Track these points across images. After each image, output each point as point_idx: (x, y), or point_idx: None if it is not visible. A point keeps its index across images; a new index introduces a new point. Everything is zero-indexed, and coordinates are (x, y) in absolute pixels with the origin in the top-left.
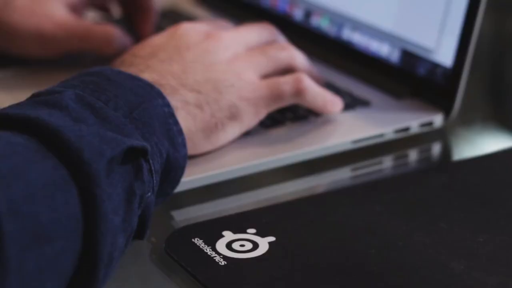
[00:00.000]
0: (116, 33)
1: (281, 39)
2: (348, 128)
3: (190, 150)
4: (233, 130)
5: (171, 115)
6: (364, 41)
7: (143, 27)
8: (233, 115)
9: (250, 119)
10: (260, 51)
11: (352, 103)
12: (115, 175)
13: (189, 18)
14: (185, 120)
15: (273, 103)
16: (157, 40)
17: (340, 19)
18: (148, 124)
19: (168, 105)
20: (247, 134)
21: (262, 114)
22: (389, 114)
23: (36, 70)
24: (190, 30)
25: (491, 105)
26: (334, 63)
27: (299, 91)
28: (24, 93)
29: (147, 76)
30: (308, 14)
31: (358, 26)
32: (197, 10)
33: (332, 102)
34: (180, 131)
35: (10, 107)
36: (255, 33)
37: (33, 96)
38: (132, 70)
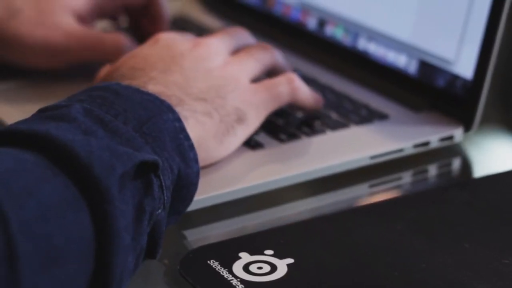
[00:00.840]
0: (126, 42)
1: (253, 40)
2: (366, 143)
3: (204, 160)
4: (242, 133)
5: (182, 129)
6: (381, 51)
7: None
8: (240, 119)
9: (254, 122)
10: (247, 54)
11: (369, 116)
12: (126, 190)
13: (198, 25)
14: (196, 129)
15: (272, 104)
16: (147, 51)
17: (355, 29)
18: (159, 138)
19: (178, 119)
20: (262, 148)
21: (263, 116)
22: (407, 127)
23: (42, 82)
24: (175, 40)
25: None
26: (349, 73)
27: (293, 90)
28: (31, 105)
29: (152, 88)
30: (322, 23)
31: (374, 35)
32: (206, 18)
33: (318, 99)
34: (191, 146)
35: (17, 123)
36: (234, 37)
37: (40, 111)
38: (136, 83)
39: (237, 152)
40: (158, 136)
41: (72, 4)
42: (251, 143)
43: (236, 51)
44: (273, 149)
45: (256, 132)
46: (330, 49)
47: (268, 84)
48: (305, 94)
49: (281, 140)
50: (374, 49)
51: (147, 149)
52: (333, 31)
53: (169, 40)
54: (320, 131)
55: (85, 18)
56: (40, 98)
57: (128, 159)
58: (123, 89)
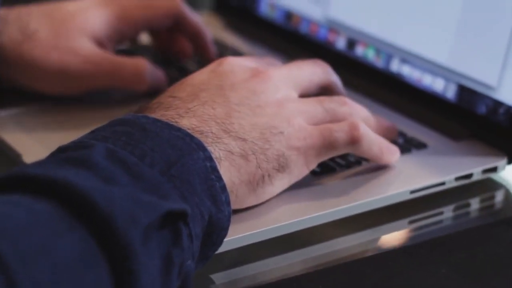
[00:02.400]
0: (148, 67)
1: (335, 78)
2: (405, 176)
3: (233, 205)
4: (281, 183)
5: (214, 169)
6: (415, 74)
7: (204, 52)
8: (282, 166)
9: (300, 170)
10: (317, 100)
11: (407, 145)
12: (151, 243)
13: (218, 42)
14: (229, 171)
15: (325, 152)
16: (198, 78)
17: (388, 50)
18: (188, 181)
19: (210, 158)
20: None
21: (313, 164)
22: (448, 158)
23: (57, 107)
24: (235, 67)
25: None
26: (381, 97)
27: (354, 140)
28: (43, 131)
29: (186, 122)
30: (351, 43)
31: (408, 57)
32: (226, 34)
33: (389, 151)
34: (223, 188)
35: (33, 165)
36: (307, 71)
37: (59, 150)
38: (171, 114)
39: None
40: (187, 179)
41: (91, 27)
42: None
43: (306, 91)
44: (306, 183)
45: None
46: (360, 70)
47: (324, 129)
48: (370, 145)
49: (315, 173)
50: (409, 71)
51: (175, 195)
52: (364, 52)
53: (230, 66)
54: (356, 162)
55: (104, 43)
56: (54, 124)
57: (154, 209)
58: (151, 124)
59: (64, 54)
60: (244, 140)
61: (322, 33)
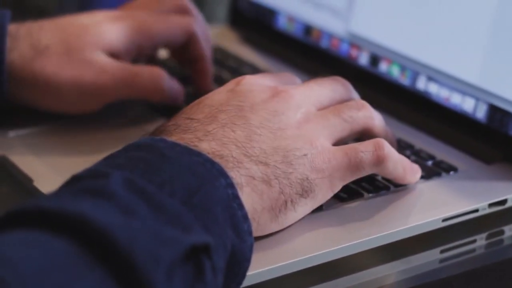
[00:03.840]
0: (164, 75)
1: (355, 95)
2: (436, 202)
3: (254, 232)
4: (304, 209)
5: (235, 197)
6: (444, 93)
7: (199, 79)
8: (305, 191)
9: (324, 194)
10: (334, 111)
11: (436, 169)
12: (174, 280)
13: (234, 57)
14: (250, 198)
15: (350, 174)
16: (216, 98)
17: (414, 67)
18: (210, 210)
19: (231, 185)
20: (319, 209)
21: (337, 187)
22: (480, 183)
23: (69, 126)
24: (253, 86)
25: None
26: (406, 116)
27: (380, 160)
28: (53, 153)
29: (206, 146)
30: (375, 59)
31: (435, 75)
32: (242, 49)
33: (412, 171)
34: (245, 217)
35: (48, 197)
36: (328, 89)
37: (73, 179)
38: (189, 138)
39: None
40: (209, 208)
41: (105, 41)
42: None
43: (325, 106)
44: (333, 210)
45: None
46: (384, 88)
47: (349, 150)
48: (395, 165)
49: (341, 199)
50: (436, 90)
51: (198, 226)
52: (388, 68)
53: (248, 86)
54: (384, 187)
55: (120, 57)
56: (66, 146)
57: (177, 245)
58: (169, 149)
59: (78, 68)
60: (266, 164)
61: (344, 49)
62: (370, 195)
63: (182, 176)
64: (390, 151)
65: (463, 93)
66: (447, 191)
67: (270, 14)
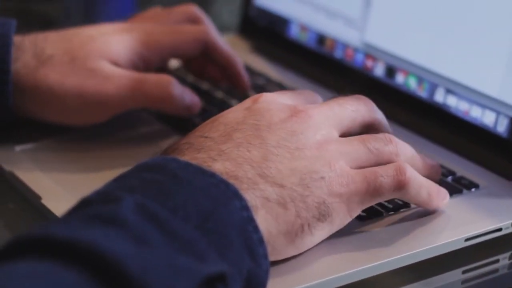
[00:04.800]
0: (173, 81)
1: (380, 116)
2: (458, 221)
3: (270, 256)
4: (321, 233)
5: (251, 220)
6: (463, 106)
7: (237, 84)
8: (322, 215)
9: (342, 219)
10: (359, 139)
11: (457, 185)
12: None
13: (248, 67)
14: (265, 221)
15: (369, 199)
16: (232, 116)
17: (432, 79)
18: (224, 235)
19: (246, 208)
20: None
21: (356, 212)
22: (502, 200)
23: (77, 141)
24: (271, 104)
25: None
26: (424, 130)
27: (401, 185)
28: (63, 171)
29: (220, 166)
30: (391, 70)
31: (455, 88)
32: (253, 58)
33: (438, 195)
34: (261, 240)
35: (56, 224)
36: (349, 109)
37: (83, 203)
38: (202, 157)
39: None
40: (223, 232)
41: (111, 51)
42: None
43: (349, 130)
44: (352, 230)
45: None
46: (401, 100)
47: (368, 173)
48: (418, 190)
49: (361, 218)
50: (455, 103)
51: (213, 253)
52: (405, 80)
53: (266, 104)
54: (403, 206)
55: (126, 69)
56: (73, 161)
57: (192, 276)
58: (182, 169)
59: (82, 77)
60: (282, 186)
61: (359, 59)
62: (390, 213)
63: (196, 199)
64: (412, 175)
65: (483, 106)
66: (469, 209)
67: (282, 22)
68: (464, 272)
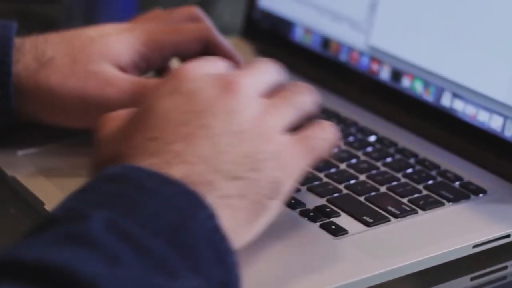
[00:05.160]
0: None
1: (282, 75)
2: (466, 227)
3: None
4: (274, 211)
5: (216, 229)
6: (470, 111)
7: None
8: (275, 193)
9: (290, 188)
10: (283, 100)
11: (464, 191)
12: None
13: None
14: (227, 218)
15: (310, 162)
16: (164, 105)
17: (439, 82)
18: (195, 249)
19: (211, 216)
20: (345, 234)
21: (298, 178)
22: (511, 206)
23: (80, 144)
24: (199, 81)
25: None
26: (430, 134)
27: (331, 143)
28: (66, 175)
29: (177, 172)
30: (397, 74)
31: (462, 92)
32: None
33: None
34: (229, 249)
35: (25, 245)
36: (268, 73)
37: (49, 221)
38: (157, 163)
39: (316, 240)
40: (193, 246)
41: (112, 53)
42: (332, 228)
43: (269, 93)
44: (359, 236)
45: (337, 213)
46: (407, 104)
47: (303, 138)
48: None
49: (367, 224)
50: (462, 107)
51: (185, 269)
52: (411, 84)
53: (193, 83)
54: (411, 211)
55: (128, 70)
56: (75, 165)
57: None
58: (146, 179)
59: (83, 79)
60: (237, 178)
61: (364, 62)
62: (397, 219)
63: (164, 212)
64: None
65: (491, 110)
66: (477, 215)
67: (286, 25)
68: (472, 279)
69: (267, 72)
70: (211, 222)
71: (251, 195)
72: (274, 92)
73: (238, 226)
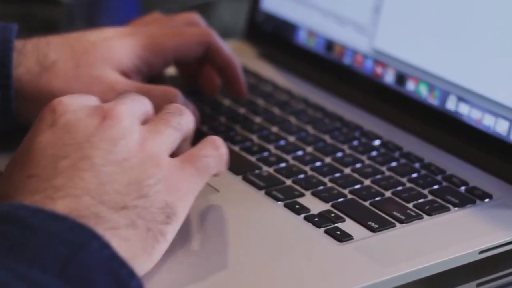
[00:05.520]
0: (179, 94)
1: (150, 104)
2: (471, 233)
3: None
4: (172, 234)
5: (114, 257)
6: (475, 114)
7: (233, 88)
8: (169, 217)
9: (184, 212)
10: (163, 122)
11: (470, 196)
12: None
13: (253, 73)
14: (123, 250)
15: (201, 183)
16: (42, 140)
17: (444, 86)
18: (89, 280)
19: (106, 245)
20: (350, 239)
21: (193, 200)
22: None
23: None
24: (76, 112)
25: None
26: (435, 138)
27: (221, 160)
28: None
29: (61, 206)
30: (401, 77)
31: (467, 95)
32: (261, 65)
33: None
34: (131, 274)
35: None
36: (139, 101)
37: None
38: (40, 199)
39: (320, 245)
40: (88, 277)
41: (115, 57)
42: (337, 234)
43: (147, 119)
44: (364, 241)
45: (342, 219)
46: (411, 108)
47: (192, 157)
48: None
49: (372, 229)
50: (467, 111)
51: None
52: (416, 88)
53: (71, 115)
54: (416, 216)
55: (130, 74)
56: None
57: None
58: (32, 217)
59: (86, 84)
60: (124, 207)
61: (368, 66)
62: (402, 225)
63: (52, 247)
64: (225, 147)
65: (496, 114)
66: (483, 220)
67: (289, 28)
68: (478, 285)
69: (139, 101)
70: (106, 251)
71: (143, 223)
72: (151, 118)
73: (134, 256)
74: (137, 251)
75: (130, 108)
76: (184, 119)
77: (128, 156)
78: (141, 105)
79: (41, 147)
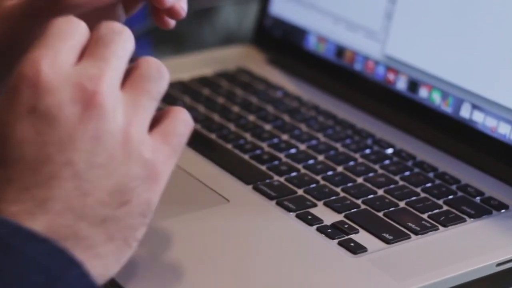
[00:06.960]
0: None
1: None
2: (488, 245)
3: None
4: (144, 229)
5: (92, 286)
6: (490, 123)
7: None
8: (145, 216)
9: (158, 199)
10: (145, 94)
11: (486, 206)
12: None
13: (261, 79)
14: (99, 268)
15: (175, 162)
16: (21, 130)
17: (457, 94)
18: None
19: (84, 274)
20: (365, 251)
21: (167, 180)
22: None
23: None
24: (58, 94)
25: None
26: (448, 146)
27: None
28: None
29: (40, 225)
30: (413, 84)
31: (481, 103)
32: (269, 71)
33: None
34: None
35: None
36: (120, 58)
37: None
38: (17, 212)
39: (334, 258)
40: None
41: None
42: (350, 245)
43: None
44: (379, 254)
45: (356, 230)
46: (424, 115)
47: (168, 136)
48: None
49: (386, 241)
50: (481, 119)
51: None
52: (429, 95)
53: (49, 98)
54: (432, 228)
55: None
56: None
57: None
58: (11, 236)
59: None
60: (105, 220)
61: (380, 72)
62: (417, 236)
63: (30, 275)
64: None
65: (510, 122)
66: (499, 232)
67: (299, 33)
68: None
69: (122, 48)
70: (84, 280)
71: (120, 235)
72: (127, 75)
73: (107, 270)
74: (111, 264)
75: (111, 78)
76: (164, 83)
77: (112, 153)
78: (120, 62)
79: (20, 143)
